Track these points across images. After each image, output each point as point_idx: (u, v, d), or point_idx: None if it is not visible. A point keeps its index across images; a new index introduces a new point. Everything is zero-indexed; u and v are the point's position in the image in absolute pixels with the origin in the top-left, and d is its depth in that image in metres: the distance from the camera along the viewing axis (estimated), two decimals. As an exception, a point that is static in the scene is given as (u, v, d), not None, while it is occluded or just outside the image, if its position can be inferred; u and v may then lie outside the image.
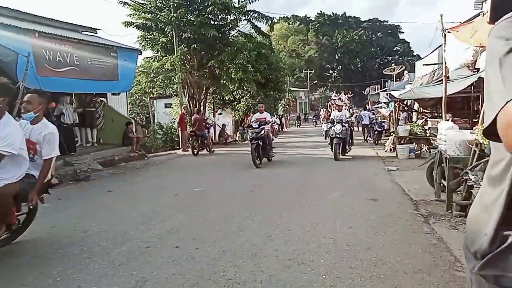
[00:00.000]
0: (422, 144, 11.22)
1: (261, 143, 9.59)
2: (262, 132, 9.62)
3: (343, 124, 10.67)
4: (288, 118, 33.55)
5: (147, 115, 25.16)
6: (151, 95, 22.72)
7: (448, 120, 6.83)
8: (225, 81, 16.72)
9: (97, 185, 7.54)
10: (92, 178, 8.11)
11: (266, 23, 16.93)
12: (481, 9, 10.43)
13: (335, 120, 10.83)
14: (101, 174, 8.77)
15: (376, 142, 15.92)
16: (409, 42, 74.67)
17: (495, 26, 0.87)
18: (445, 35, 5.53)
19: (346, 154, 11.30)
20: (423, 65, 16.11)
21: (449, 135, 4.91)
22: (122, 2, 14.83)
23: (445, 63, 6.19)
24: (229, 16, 16.11)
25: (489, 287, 0.97)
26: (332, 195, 6.15)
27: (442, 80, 7.16)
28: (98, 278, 3.07)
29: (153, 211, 5.22)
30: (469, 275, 1.05)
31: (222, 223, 4.56)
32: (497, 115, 0.76)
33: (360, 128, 20.08)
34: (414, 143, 11.10)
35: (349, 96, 42.82)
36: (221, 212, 5.09)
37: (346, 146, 11.11)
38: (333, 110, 13.78)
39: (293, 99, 39.30)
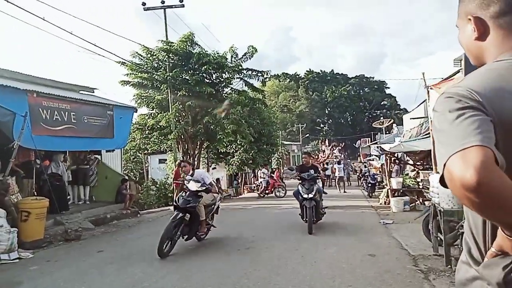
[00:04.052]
0: (416, 197, 11.26)
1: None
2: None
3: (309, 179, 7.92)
4: (282, 171, 33.65)
5: (141, 171, 25.08)
6: (146, 151, 22.86)
7: (438, 172, 6.94)
8: (220, 135, 17.02)
9: (88, 244, 7.30)
10: (83, 237, 7.87)
11: (258, 79, 17.62)
12: (460, 66, 11.07)
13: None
14: (92, 233, 8.53)
15: (370, 194, 15.95)
16: (395, 97, 77.77)
17: (437, 100, 1.04)
18: (428, 91, 5.83)
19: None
20: (410, 118, 16.65)
21: (441, 188, 4.95)
22: (120, 62, 15.47)
23: (430, 117, 6.45)
24: (223, 74, 16.80)
25: None
26: (328, 250, 6.03)
27: (429, 133, 7.40)
28: None
29: (144, 271, 5.03)
30: None
31: (217, 283, 4.40)
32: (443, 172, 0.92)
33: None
34: (408, 196, 11.14)
35: (340, 148, 43.51)
36: (215, 271, 4.93)
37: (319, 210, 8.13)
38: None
39: (286, 153, 39.69)
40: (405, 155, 13.60)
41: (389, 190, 11.75)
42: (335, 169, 21.61)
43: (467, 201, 0.86)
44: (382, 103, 75.87)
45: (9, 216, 6.78)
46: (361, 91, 78.22)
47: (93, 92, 12.62)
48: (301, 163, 9.90)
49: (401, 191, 11.25)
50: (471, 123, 0.90)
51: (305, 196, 7.65)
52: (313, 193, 7.65)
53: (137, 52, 16.07)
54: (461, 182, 0.84)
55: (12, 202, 7.13)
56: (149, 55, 16.15)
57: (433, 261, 5.16)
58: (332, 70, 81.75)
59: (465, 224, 1.14)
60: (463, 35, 1.18)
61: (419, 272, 4.72)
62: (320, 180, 11.11)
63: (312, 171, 8.20)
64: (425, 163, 12.74)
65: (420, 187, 10.56)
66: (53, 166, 9.71)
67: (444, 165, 0.89)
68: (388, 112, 68.22)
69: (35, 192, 8.54)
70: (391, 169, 13.35)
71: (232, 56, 16.69)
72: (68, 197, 10.40)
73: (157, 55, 16.07)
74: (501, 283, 0.94)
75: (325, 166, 23.22)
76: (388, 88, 77.96)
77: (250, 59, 16.73)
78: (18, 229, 6.60)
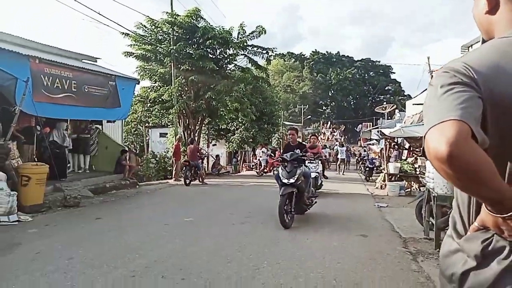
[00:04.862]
0: (412, 182, 11.35)
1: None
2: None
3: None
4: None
5: (141, 144, 25.19)
6: (147, 124, 22.90)
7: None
8: (222, 112, 17.02)
9: (86, 212, 7.44)
10: (82, 205, 8.00)
11: (263, 57, 17.39)
12: (468, 54, 10.90)
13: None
14: (91, 201, 8.66)
15: (368, 178, 16.09)
16: (400, 82, 77.16)
17: (435, 74, 1.06)
18: (432, 76, 5.77)
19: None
20: (413, 104, 16.57)
21: (437, 173, 5.00)
22: (124, 33, 15.28)
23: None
24: (228, 50, 16.61)
25: None
26: (321, 230, 6.14)
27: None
28: (81, 307, 3.00)
29: (141, 240, 5.16)
30: None
31: (211, 255, 4.51)
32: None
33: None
34: (404, 181, 11.23)
35: (340, 131, 43.35)
36: (210, 244, 5.05)
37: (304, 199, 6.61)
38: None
39: (287, 133, 39.82)
40: (405, 140, 13.61)
41: (386, 175, 11.84)
42: (337, 151, 22.06)
43: (442, 173, 0.90)
44: (386, 88, 75.29)
45: (10, 180, 6.88)
46: (366, 75, 77.49)
47: (96, 62, 12.52)
48: (287, 142, 8.02)
49: (398, 176, 11.34)
50: (456, 98, 0.93)
51: (285, 181, 6.11)
52: (295, 177, 6.08)
53: (141, 23, 15.85)
54: (435, 154, 0.88)
55: (12, 166, 7.21)
56: (153, 27, 15.94)
57: (423, 244, 5.27)
58: (338, 52, 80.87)
59: (453, 201, 1.18)
60: (476, 8, 1.19)
61: (408, 254, 4.82)
62: (320, 162, 10.58)
63: (297, 151, 6.73)
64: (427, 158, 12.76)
65: (417, 173, 10.63)
66: (55, 134, 9.76)
67: (424, 137, 0.93)
68: (392, 97, 67.78)
69: (35, 158, 8.62)
70: (390, 154, 13.39)
71: (239, 33, 16.45)
72: (68, 165, 10.50)
73: (161, 27, 15.85)
74: (478, 256, 0.99)
75: (323, 145, 23.14)
76: (394, 73, 77.34)
77: (257, 38, 16.51)
78: (18, 193, 6.71)
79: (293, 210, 6.17)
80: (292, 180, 6.07)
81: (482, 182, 0.87)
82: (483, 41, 1.20)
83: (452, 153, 0.84)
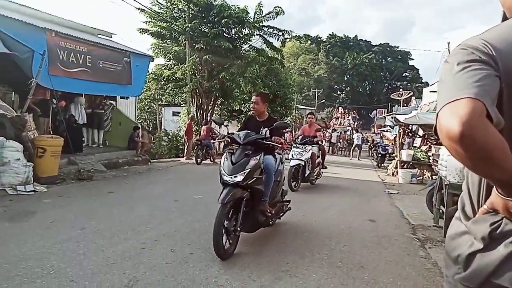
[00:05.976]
0: (425, 170, 11.22)
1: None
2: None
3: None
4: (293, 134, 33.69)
5: (154, 122, 25.37)
6: (160, 102, 23.01)
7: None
8: (235, 92, 16.96)
9: (99, 185, 7.60)
10: (95, 178, 8.17)
11: (278, 39, 17.15)
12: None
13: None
14: (104, 175, 8.84)
15: (380, 165, 15.98)
16: (418, 69, 75.34)
17: (452, 51, 1.02)
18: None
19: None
20: (430, 92, 16.21)
21: (450, 161, 4.92)
22: (139, 9, 15.19)
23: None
24: (243, 30, 16.41)
25: None
26: (330, 212, 6.16)
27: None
28: (92, 274, 3.10)
29: (151, 214, 5.26)
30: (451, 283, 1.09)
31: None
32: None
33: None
34: (416, 169, 11.11)
35: (352, 115, 42.82)
36: (212, 220, 5.10)
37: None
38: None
39: (300, 117, 39.46)
40: (419, 128, 13.38)
41: (398, 162, 11.72)
42: (353, 138, 22.34)
43: (453, 152, 0.87)
44: (403, 74, 73.68)
45: (26, 151, 7.04)
46: (383, 60, 75.80)
47: (111, 37, 12.51)
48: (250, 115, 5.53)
49: (411, 163, 11.21)
50: (472, 76, 0.89)
51: (226, 178, 3.77)
52: (244, 173, 3.72)
53: (157, 0, 15.73)
54: (446, 133, 0.86)
55: (29, 138, 7.36)
56: (169, 4, 15.81)
57: (431, 232, 5.24)
58: (356, 36, 79.04)
59: (463, 183, 1.16)
60: None
61: (416, 240, 4.81)
62: (316, 146, 8.62)
63: (264, 130, 4.33)
64: (438, 138, 12.55)
65: (430, 161, 10.49)
66: (72, 108, 9.88)
67: (437, 115, 0.90)
68: (409, 84, 66.41)
69: (51, 131, 8.78)
70: (403, 141, 13.22)
71: (256, 13, 16.20)
72: (83, 139, 10.68)
73: (177, 4, 15.71)
74: (486, 238, 0.97)
75: (329, 129, 22.92)
76: (412, 59, 75.40)
77: (274, 19, 16.25)
78: (34, 164, 6.88)
79: (239, 228, 3.79)
80: (239, 178, 3.70)
81: (494, 163, 0.84)
82: (504, 19, 1.14)
83: (465, 132, 0.82)
